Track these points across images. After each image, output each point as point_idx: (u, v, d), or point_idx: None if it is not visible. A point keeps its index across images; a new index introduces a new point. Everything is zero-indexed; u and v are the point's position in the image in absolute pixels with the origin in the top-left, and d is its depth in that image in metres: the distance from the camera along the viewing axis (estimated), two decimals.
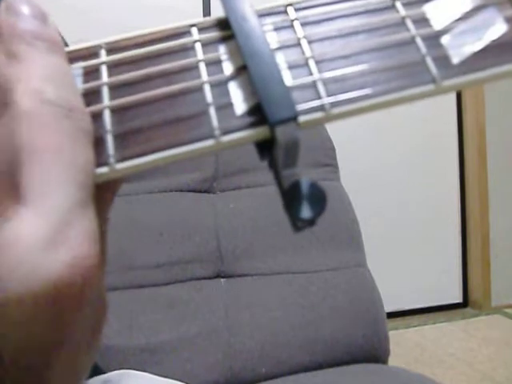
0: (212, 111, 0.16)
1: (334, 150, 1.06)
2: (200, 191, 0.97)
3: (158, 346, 0.80)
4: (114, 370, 0.55)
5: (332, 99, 0.16)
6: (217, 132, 0.16)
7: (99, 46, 0.18)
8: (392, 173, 1.91)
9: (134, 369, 0.56)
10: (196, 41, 0.18)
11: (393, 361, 0.89)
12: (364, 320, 0.87)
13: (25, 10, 0.16)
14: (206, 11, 1.71)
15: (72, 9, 1.57)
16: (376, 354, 0.86)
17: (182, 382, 0.55)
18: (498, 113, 1.99)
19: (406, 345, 1.67)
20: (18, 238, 0.13)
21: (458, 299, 1.98)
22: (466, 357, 1.59)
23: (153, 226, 0.91)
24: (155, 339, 0.80)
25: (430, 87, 0.16)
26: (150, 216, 0.92)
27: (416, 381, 0.79)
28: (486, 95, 1.96)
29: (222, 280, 0.90)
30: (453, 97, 1.97)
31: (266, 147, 0.17)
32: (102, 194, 0.17)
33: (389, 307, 1.02)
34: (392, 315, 1.78)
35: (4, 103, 0.15)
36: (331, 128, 1.05)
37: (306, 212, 0.15)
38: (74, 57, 0.18)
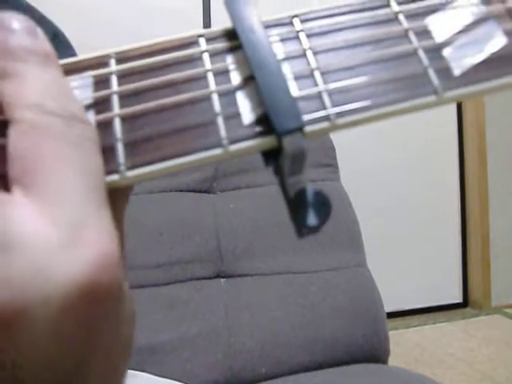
0: (220, 120, 0.17)
1: (334, 149, 1.06)
2: (200, 191, 0.97)
3: (158, 346, 0.80)
4: None
5: (337, 110, 0.16)
6: (225, 141, 0.16)
7: (109, 56, 0.19)
8: (392, 173, 1.91)
9: (134, 369, 0.56)
10: (204, 51, 0.18)
11: (393, 361, 0.89)
12: (364, 320, 0.87)
13: (16, 25, 0.16)
14: (206, 12, 1.71)
15: (72, 10, 1.57)
16: (376, 354, 0.86)
17: (181, 382, 0.55)
18: (498, 113, 2.00)
19: (406, 345, 1.67)
20: (32, 244, 0.13)
21: (458, 299, 1.98)
22: (466, 357, 1.59)
23: (153, 226, 0.91)
24: (155, 339, 0.81)
25: (432, 98, 0.16)
26: (150, 216, 0.92)
27: (416, 381, 0.79)
28: (485, 96, 1.96)
29: (222, 280, 0.90)
30: None
31: (271, 155, 0.17)
32: (116, 199, 0.17)
33: (389, 307, 1.02)
34: (392, 315, 1.78)
35: (3, 122, 0.15)
36: None
37: (311, 220, 0.16)
38: (84, 66, 0.18)
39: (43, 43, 0.17)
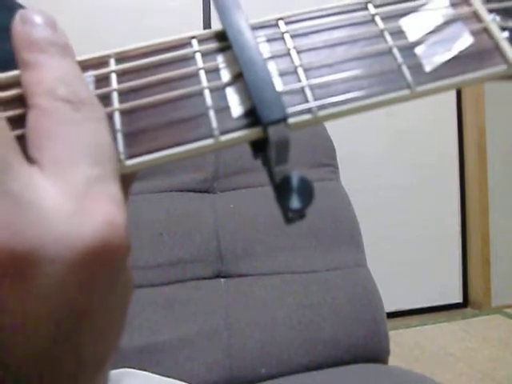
0: (211, 113, 0.18)
1: (334, 149, 1.07)
2: (200, 191, 0.97)
3: (158, 346, 0.80)
4: (114, 369, 0.56)
5: (319, 103, 0.18)
6: (216, 132, 0.18)
7: (108, 56, 0.20)
8: (392, 173, 1.91)
9: (134, 369, 0.57)
10: (196, 51, 0.20)
11: (393, 361, 0.89)
12: (364, 320, 0.87)
13: (38, 19, 0.18)
14: (206, 12, 1.72)
15: (76, 10, 1.58)
16: (376, 354, 0.86)
17: (182, 381, 0.56)
18: (498, 113, 2.00)
19: (406, 345, 1.68)
20: (42, 208, 0.15)
21: (458, 299, 1.99)
22: (465, 357, 1.59)
23: (153, 226, 0.91)
24: (155, 339, 0.81)
25: (406, 92, 0.18)
26: (150, 216, 0.92)
27: (416, 381, 0.79)
28: (485, 96, 1.97)
29: (222, 280, 0.90)
30: (453, 98, 1.98)
31: (259, 146, 0.19)
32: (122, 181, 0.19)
33: (389, 307, 1.03)
34: (392, 315, 1.78)
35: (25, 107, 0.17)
36: (331, 128, 1.06)
37: (295, 203, 0.17)
38: (85, 65, 0.20)
39: (62, 35, 0.19)
